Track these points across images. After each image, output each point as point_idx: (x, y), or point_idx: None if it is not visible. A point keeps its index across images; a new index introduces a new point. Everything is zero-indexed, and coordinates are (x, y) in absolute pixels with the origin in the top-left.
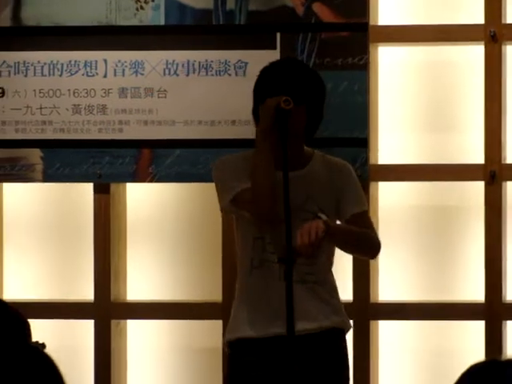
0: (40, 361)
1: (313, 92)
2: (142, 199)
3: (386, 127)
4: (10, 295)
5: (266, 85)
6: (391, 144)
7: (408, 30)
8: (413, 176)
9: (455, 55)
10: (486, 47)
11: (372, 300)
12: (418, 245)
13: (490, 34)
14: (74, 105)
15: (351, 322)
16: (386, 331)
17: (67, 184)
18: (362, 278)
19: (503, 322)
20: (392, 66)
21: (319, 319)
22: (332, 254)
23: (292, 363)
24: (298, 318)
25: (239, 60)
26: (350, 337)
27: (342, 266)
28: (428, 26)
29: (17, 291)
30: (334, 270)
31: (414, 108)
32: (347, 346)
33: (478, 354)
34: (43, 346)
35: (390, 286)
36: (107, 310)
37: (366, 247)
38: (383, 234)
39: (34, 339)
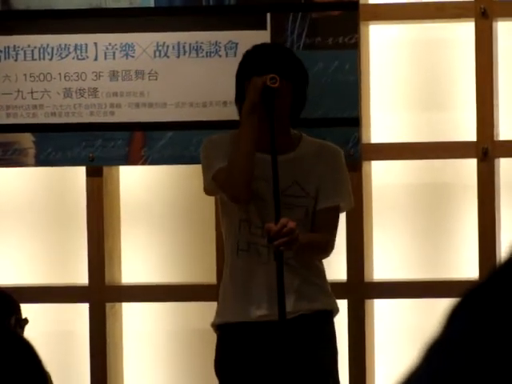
0: (13, 343)
1: (297, 71)
2: (135, 182)
3: (377, 106)
4: (3, 280)
5: (251, 65)
6: (383, 123)
7: (398, 7)
8: (405, 154)
9: (446, 32)
10: (476, 24)
11: (366, 279)
12: (412, 223)
13: (481, 11)
14: (65, 88)
15: (345, 301)
16: (381, 310)
17: (59, 168)
18: (356, 256)
19: None
20: (383, 44)
21: (307, 301)
22: None
23: (281, 346)
24: (287, 300)
25: (230, 41)
26: (344, 316)
27: (336, 245)
28: (418, 4)
29: (10, 276)
30: None
31: (406, 86)
32: (335, 328)
33: None
34: (26, 321)
35: (384, 265)
36: (102, 294)
37: (315, 256)
38: (377, 212)
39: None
